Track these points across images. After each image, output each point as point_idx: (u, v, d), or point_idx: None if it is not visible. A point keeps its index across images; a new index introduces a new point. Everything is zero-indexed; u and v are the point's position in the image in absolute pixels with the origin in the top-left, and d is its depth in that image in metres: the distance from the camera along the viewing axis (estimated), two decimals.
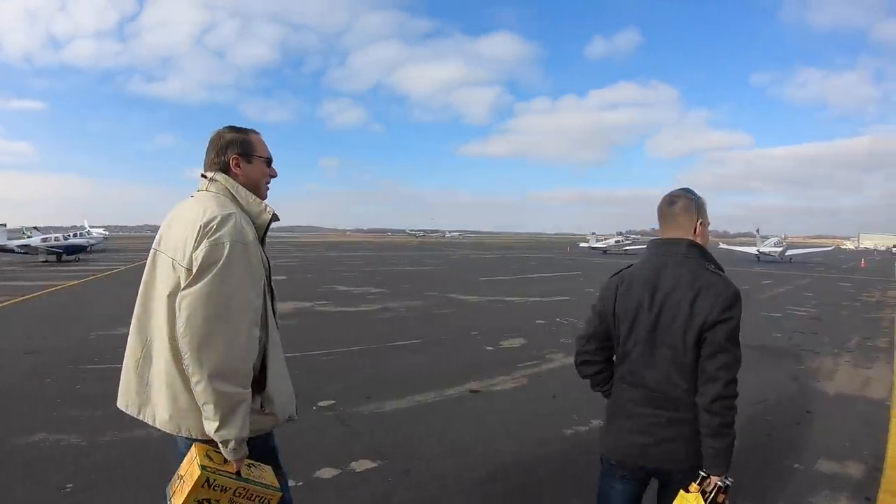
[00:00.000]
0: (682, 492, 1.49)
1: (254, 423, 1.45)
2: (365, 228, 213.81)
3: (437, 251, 41.89)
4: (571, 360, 1.80)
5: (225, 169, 1.57)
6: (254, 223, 1.52)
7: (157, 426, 1.46)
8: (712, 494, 1.44)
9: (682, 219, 1.62)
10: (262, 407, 1.51)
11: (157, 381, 1.45)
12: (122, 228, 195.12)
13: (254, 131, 1.62)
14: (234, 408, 1.37)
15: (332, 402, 4.48)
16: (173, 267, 1.43)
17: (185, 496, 1.36)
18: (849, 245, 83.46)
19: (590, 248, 41.04)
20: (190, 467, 1.40)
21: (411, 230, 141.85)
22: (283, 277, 16.40)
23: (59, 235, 25.88)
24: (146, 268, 1.52)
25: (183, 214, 1.49)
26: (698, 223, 1.62)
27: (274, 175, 1.67)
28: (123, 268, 19.64)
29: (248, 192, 1.56)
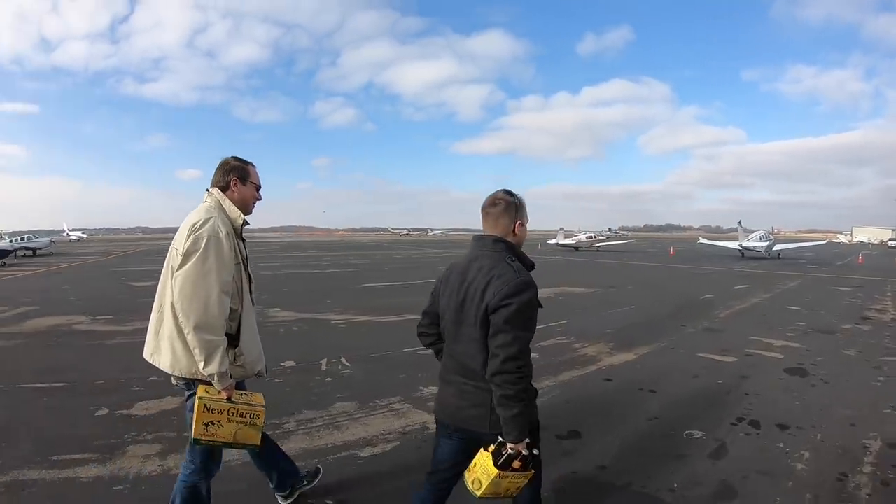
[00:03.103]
0: (481, 449, 1.77)
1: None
2: (357, 227, 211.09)
3: (390, 249, 37.66)
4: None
5: (226, 186, 2.27)
6: (231, 225, 2.20)
7: (162, 369, 2.12)
8: (504, 458, 1.68)
9: (502, 219, 1.89)
10: (235, 359, 2.16)
11: (164, 336, 2.10)
12: (113, 231, 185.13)
13: (251, 164, 2.35)
14: (213, 350, 2.01)
15: None
16: (176, 255, 2.08)
17: (196, 422, 2.03)
18: (843, 239, 79.53)
19: (557, 244, 36.17)
20: (194, 401, 2.04)
21: (394, 228, 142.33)
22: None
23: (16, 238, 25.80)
24: (167, 257, 2.14)
25: (187, 219, 2.15)
26: (517, 224, 1.91)
27: (259, 199, 2.37)
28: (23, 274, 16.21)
29: (231, 205, 2.24)
